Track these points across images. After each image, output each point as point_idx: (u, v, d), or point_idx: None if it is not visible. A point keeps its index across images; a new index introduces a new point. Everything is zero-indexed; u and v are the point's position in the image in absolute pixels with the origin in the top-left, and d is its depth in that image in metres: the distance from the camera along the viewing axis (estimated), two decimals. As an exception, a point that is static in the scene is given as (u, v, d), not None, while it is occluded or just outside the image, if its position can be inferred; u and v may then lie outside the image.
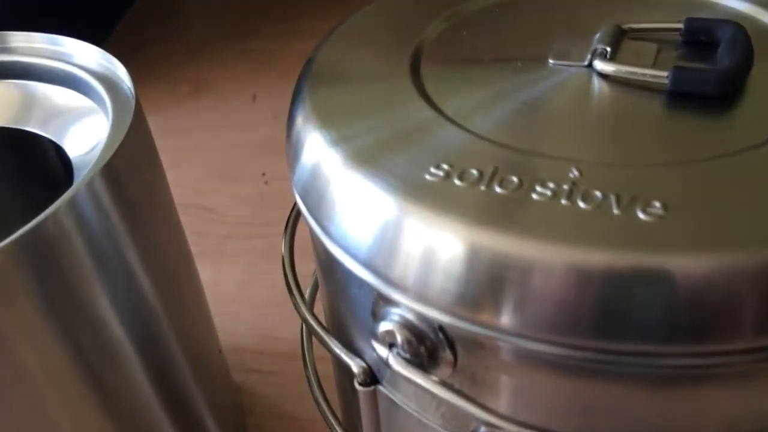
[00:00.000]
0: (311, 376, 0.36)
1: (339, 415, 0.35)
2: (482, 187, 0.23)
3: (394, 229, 0.23)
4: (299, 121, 0.28)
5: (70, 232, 0.29)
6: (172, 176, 0.40)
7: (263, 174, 0.71)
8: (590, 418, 0.24)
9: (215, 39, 0.96)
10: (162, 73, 0.90)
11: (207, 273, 0.47)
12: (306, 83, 0.30)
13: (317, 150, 0.27)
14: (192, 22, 1.05)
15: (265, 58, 0.89)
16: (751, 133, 0.24)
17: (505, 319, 0.22)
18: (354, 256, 0.25)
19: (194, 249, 0.43)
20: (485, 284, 0.22)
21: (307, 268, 0.34)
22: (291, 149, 0.29)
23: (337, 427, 0.34)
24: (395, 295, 0.24)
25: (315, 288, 0.36)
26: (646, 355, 0.21)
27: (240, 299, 0.59)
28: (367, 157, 0.25)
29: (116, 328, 0.32)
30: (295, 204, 0.31)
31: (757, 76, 0.26)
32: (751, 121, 0.25)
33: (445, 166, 0.24)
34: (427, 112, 0.27)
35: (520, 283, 0.21)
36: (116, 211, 0.31)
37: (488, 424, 0.24)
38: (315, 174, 0.27)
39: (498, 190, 0.23)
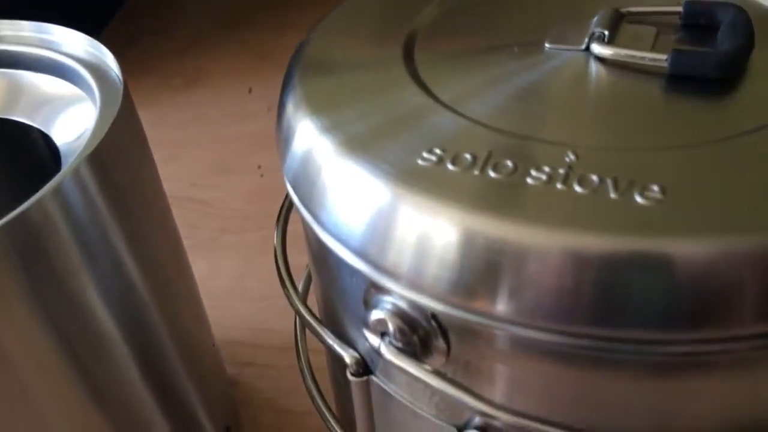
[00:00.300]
0: (305, 368, 0.36)
1: (333, 407, 0.35)
2: (476, 172, 0.23)
3: (386, 216, 0.23)
4: (290, 108, 0.28)
5: (56, 219, 0.28)
6: (166, 170, 0.39)
7: (259, 167, 0.71)
8: (587, 406, 0.23)
9: (211, 31, 0.96)
10: (157, 66, 0.89)
11: (201, 266, 0.47)
12: (297, 70, 0.29)
13: (308, 137, 0.26)
14: (188, 14, 1.04)
15: (261, 50, 0.88)
16: (752, 116, 0.24)
17: (500, 307, 0.21)
18: (346, 244, 0.24)
19: (189, 242, 0.42)
20: (480, 271, 0.21)
21: (302, 260, 0.33)
22: (282, 137, 0.28)
23: (331, 419, 0.34)
24: (388, 283, 0.23)
25: (308, 280, 0.36)
26: (644, 342, 0.20)
27: (235, 292, 0.58)
28: (358, 144, 0.25)
29: (104, 318, 0.32)
30: (288, 195, 0.30)
31: (757, 59, 0.26)
32: (752, 104, 0.24)
33: (438, 151, 0.24)
34: (421, 98, 0.26)
35: (515, 270, 0.21)
36: (103, 198, 0.31)
37: (483, 414, 0.23)
38: (306, 162, 0.26)
39: (492, 174, 0.22)
